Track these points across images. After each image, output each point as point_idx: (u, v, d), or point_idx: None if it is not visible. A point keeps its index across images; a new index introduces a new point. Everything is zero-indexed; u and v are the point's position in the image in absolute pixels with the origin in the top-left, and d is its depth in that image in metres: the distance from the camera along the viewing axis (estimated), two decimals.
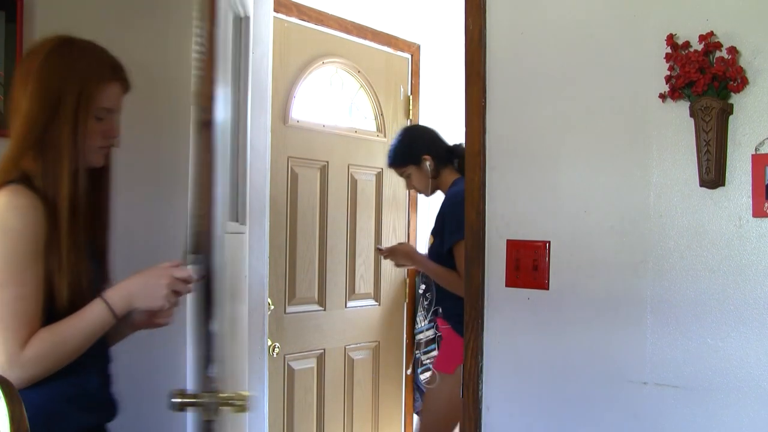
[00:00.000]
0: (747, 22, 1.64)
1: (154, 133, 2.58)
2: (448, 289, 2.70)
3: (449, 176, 2.84)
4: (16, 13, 2.18)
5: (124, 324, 1.55)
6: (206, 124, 1.56)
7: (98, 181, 1.56)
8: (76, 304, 1.42)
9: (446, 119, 3.77)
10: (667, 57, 1.70)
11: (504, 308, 1.99)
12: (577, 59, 1.88)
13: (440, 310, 2.81)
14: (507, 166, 1.99)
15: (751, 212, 1.63)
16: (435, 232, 2.81)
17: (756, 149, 1.62)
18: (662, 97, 1.72)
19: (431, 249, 2.85)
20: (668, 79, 1.70)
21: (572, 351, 1.87)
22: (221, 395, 1.51)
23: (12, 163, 1.42)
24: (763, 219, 1.62)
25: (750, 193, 1.63)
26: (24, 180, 1.41)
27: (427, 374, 3.38)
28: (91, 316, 1.41)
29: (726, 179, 1.66)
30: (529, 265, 1.94)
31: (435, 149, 2.83)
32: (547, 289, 1.92)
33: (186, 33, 2.68)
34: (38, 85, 1.43)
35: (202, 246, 1.53)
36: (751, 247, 1.64)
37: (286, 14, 3.16)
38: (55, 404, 1.43)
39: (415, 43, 3.87)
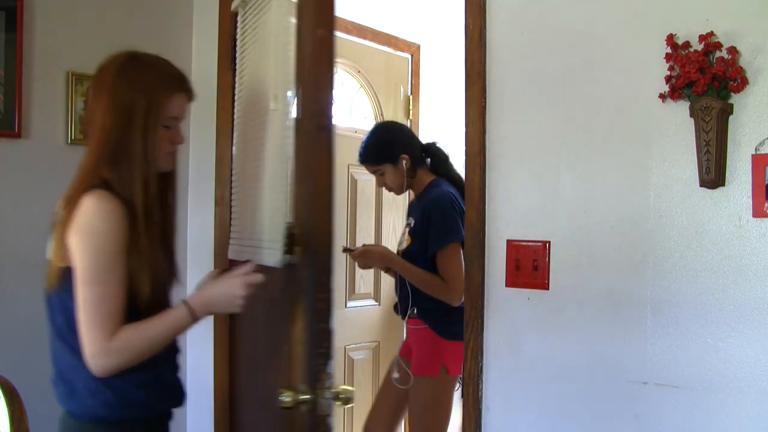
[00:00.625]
0: (747, 22, 1.64)
1: None
2: (427, 293, 2.63)
3: (425, 176, 2.78)
4: (16, 14, 2.18)
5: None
6: (324, 129, 1.65)
7: (166, 183, 1.68)
8: (155, 300, 1.55)
9: (446, 119, 3.77)
10: (667, 57, 1.70)
11: (504, 308, 1.99)
12: (577, 59, 1.88)
13: (416, 310, 2.73)
14: (507, 166, 1.99)
15: (751, 212, 1.63)
16: (414, 233, 2.73)
17: (756, 149, 1.62)
18: (662, 97, 1.72)
19: (407, 250, 2.74)
20: (668, 79, 1.70)
21: (572, 351, 1.87)
22: (335, 390, 1.58)
23: (92, 171, 1.55)
24: (763, 219, 1.62)
25: (750, 193, 1.63)
26: (105, 186, 1.53)
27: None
28: (174, 319, 1.54)
29: (726, 179, 1.66)
30: (529, 265, 1.94)
31: (412, 148, 2.78)
32: (547, 289, 1.92)
33: (186, 33, 2.68)
34: (111, 99, 1.56)
35: (321, 247, 1.61)
36: (751, 247, 1.64)
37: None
38: (133, 390, 1.56)
39: (415, 43, 3.87)
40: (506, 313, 1.98)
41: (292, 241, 1.77)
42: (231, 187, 2.52)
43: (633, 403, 1.78)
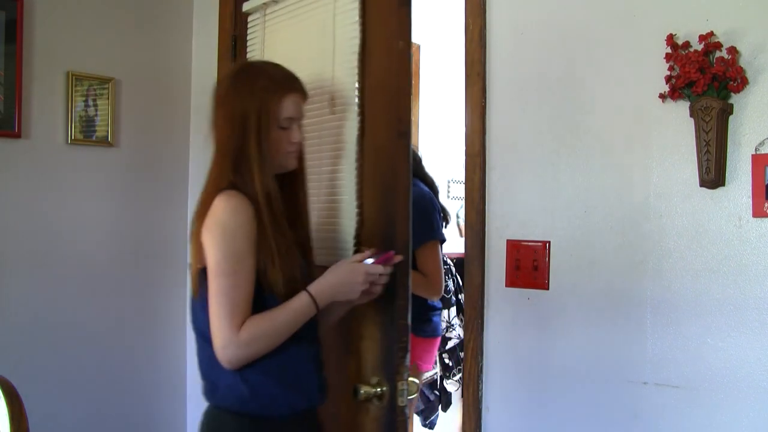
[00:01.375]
0: (747, 22, 1.64)
1: (154, 134, 2.58)
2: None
3: None
4: (16, 14, 2.18)
5: (339, 306, 1.74)
6: (403, 135, 1.78)
7: (294, 181, 1.76)
8: (289, 290, 1.60)
9: (446, 119, 3.77)
10: (667, 57, 1.70)
11: (504, 308, 1.99)
12: (577, 59, 1.88)
13: None
14: (507, 166, 1.99)
15: (751, 212, 1.63)
16: None
17: (756, 149, 1.62)
18: (662, 97, 1.72)
19: None
20: (668, 79, 1.70)
21: (572, 351, 1.87)
22: (409, 381, 1.74)
23: (218, 177, 1.66)
24: (763, 219, 1.62)
25: (750, 193, 1.63)
26: (233, 187, 1.63)
27: None
28: (298, 307, 1.59)
29: (726, 179, 1.66)
30: (529, 265, 1.94)
31: None
32: (547, 289, 1.92)
33: (186, 33, 2.68)
34: (227, 109, 1.68)
35: (402, 248, 1.73)
36: (751, 247, 1.64)
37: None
38: (268, 386, 1.61)
39: (415, 43, 3.87)
40: (506, 313, 1.98)
41: (360, 242, 1.89)
42: None
43: (633, 403, 1.78)
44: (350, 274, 1.61)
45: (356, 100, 1.96)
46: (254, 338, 1.56)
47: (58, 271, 2.31)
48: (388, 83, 1.87)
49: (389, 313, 1.76)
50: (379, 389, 1.76)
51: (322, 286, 1.61)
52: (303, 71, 2.08)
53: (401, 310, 1.72)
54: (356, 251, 1.86)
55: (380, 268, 1.62)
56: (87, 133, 2.36)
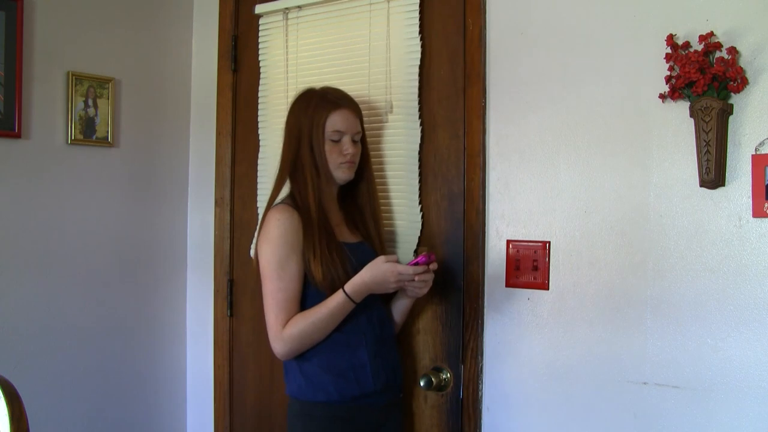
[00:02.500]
0: (747, 22, 1.64)
1: (154, 134, 2.58)
2: None
3: None
4: (16, 14, 2.18)
5: (401, 304, 2.01)
6: (457, 137, 2.07)
7: (359, 191, 1.99)
8: (333, 287, 1.81)
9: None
10: (667, 57, 1.70)
11: (504, 308, 1.99)
12: (577, 59, 1.88)
13: None
14: (507, 166, 1.99)
15: (751, 212, 1.63)
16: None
17: (756, 149, 1.62)
18: (662, 97, 1.72)
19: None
20: (668, 79, 1.70)
21: (572, 351, 1.87)
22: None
23: (275, 191, 1.94)
24: (763, 219, 1.62)
25: (750, 193, 1.63)
26: (290, 199, 1.89)
27: None
28: (334, 304, 1.79)
29: (726, 179, 1.66)
30: (529, 265, 1.94)
31: None
32: (547, 289, 1.92)
33: (186, 33, 2.68)
34: (286, 130, 1.95)
35: (469, 248, 2.02)
36: (751, 247, 1.64)
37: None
38: (319, 375, 1.83)
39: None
40: (506, 313, 1.98)
41: (420, 243, 2.09)
42: (232, 188, 2.53)
43: (633, 403, 1.78)
44: (383, 274, 1.77)
45: (417, 108, 2.11)
46: (296, 334, 1.79)
47: (58, 270, 2.31)
48: (448, 92, 2.07)
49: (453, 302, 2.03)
50: (443, 376, 2.05)
51: (356, 286, 1.78)
52: (345, 78, 2.17)
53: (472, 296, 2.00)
54: (416, 251, 2.09)
55: (410, 269, 1.77)
56: (87, 133, 2.36)
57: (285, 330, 1.80)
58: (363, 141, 1.97)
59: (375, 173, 2.06)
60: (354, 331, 1.86)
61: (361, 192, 2.00)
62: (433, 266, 1.82)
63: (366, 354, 1.86)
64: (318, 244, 1.82)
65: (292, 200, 1.89)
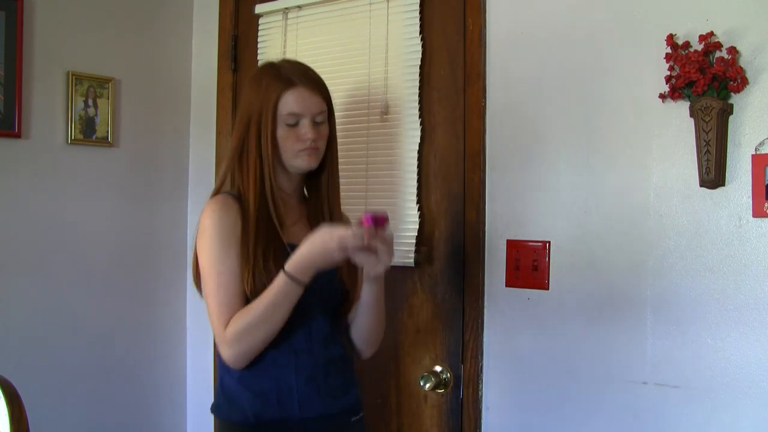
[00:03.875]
0: (747, 22, 1.64)
1: (154, 134, 2.58)
2: None
3: None
4: (16, 14, 2.18)
5: (365, 287, 1.67)
6: (459, 137, 2.07)
7: (320, 182, 1.72)
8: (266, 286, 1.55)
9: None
10: (667, 57, 1.70)
11: (504, 308, 1.99)
12: (577, 59, 1.88)
13: None
14: (507, 166, 1.99)
15: (751, 212, 1.63)
16: None
17: (756, 149, 1.62)
18: (662, 97, 1.72)
19: None
20: (668, 79, 1.70)
21: (572, 351, 1.87)
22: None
23: (221, 179, 1.69)
24: (763, 219, 1.62)
25: (750, 193, 1.63)
26: (235, 191, 1.65)
27: None
28: (277, 289, 1.51)
29: (726, 179, 1.66)
30: (529, 265, 1.94)
31: None
32: (547, 289, 1.92)
33: (186, 33, 2.68)
34: (238, 112, 1.69)
35: (470, 248, 1.99)
36: (751, 247, 1.64)
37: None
38: (238, 393, 1.61)
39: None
40: (506, 313, 1.98)
41: (420, 242, 2.04)
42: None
43: (633, 403, 1.78)
44: (321, 241, 1.49)
45: (417, 108, 2.09)
46: (239, 332, 1.53)
47: (58, 271, 2.31)
48: (448, 91, 2.03)
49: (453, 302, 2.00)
50: (443, 377, 2.01)
51: (295, 260, 1.51)
52: (344, 78, 2.17)
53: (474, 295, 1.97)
54: (416, 252, 2.04)
55: (350, 232, 1.47)
56: (87, 133, 2.36)
57: (227, 330, 1.54)
58: (330, 122, 1.69)
59: (375, 173, 2.02)
60: (285, 350, 1.60)
61: (321, 183, 1.71)
62: (384, 232, 1.50)
63: (294, 377, 1.60)
64: (252, 248, 1.57)
65: (238, 192, 1.64)
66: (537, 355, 1.93)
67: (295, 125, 1.61)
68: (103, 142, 2.40)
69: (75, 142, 2.33)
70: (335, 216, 1.72)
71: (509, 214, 1.98)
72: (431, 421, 2.10)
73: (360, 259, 1.52)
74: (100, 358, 2.41)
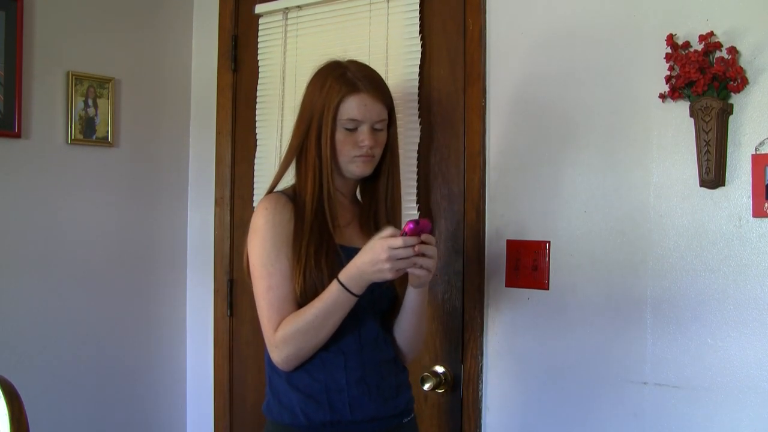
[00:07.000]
0: (747, 22, 1.64)
1: (154, 134, 2.58)
2: None
3: None
4: (16, 14, 2.18)
5: (409, 293, 1.64)
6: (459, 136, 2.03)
7: (377, 184, 1.70)
8: (317, 290, 1.54)
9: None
10: (667, 57, 1.70)
11: (504, 308, 1.99)
12: (577, 59, 1.88)
13: None
14: (507, 166, 1.99)
15: (751, 212, 1.63)
16: None
17: (756, 149, 1.62)
18: (662, 97, 1.72)
19: None
20: (668, 79, 1.70)
21: (572, 351, 1.87)
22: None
23: (277, 176, 1.68)
24: (763, 219, 1.62)
25: (750, 193, 1.63)
26: (294, 189, 1.65)
27: None
28: (329, 297, 1.51)
29: (726, 179, 1.66)
30: (529, 265, 1.94)
31: None
32: (547, 289, 1.92)
33: (186, 33, 2.68)
34: (300, 110, 1.67)
35: (470, 248, 1.96)
36: (751, 247, 1.64)
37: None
38: (287, 394, 1.59)
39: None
40: (506, 313, 1.98)
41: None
42: (232, 187, 2.54)
43: (633, 403, 1.78)
44: (372, 251, 1.45)
45: (416, 108, 2.10)
46: (288, 336, 1.52)
47: (58, 270, 2.31)
48: (448, 91, 2.03)
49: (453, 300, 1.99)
50: (443, 377, 2.01)
51: (349, 269, 1.49)
52: None
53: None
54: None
55: (400, 241, 1.43)
56: (87, 133, 2.36)
57: (277, 333, 1.53)
58: (391, 130, 1.68)
59: None
60: (335, 350, 1.58)
61: (379, 189, 1.71)
62: (427, 237, 1.47)
63: (344, 377, 1.58)
64: (305, 247, 1.56)
65: (293, 191, 1.65)
66: (537, 355, 1.93)
67: (353, 130, 1.60)
68: (103, 142, 2.40)
69: (75, 142, 2.33)
70: (395, 220, 1.72)
71: (509, 214, 1.98)
72: (431, 421, 2.10)
73: (406, 267, 1.48)
74: (101, 357, 2.41)
